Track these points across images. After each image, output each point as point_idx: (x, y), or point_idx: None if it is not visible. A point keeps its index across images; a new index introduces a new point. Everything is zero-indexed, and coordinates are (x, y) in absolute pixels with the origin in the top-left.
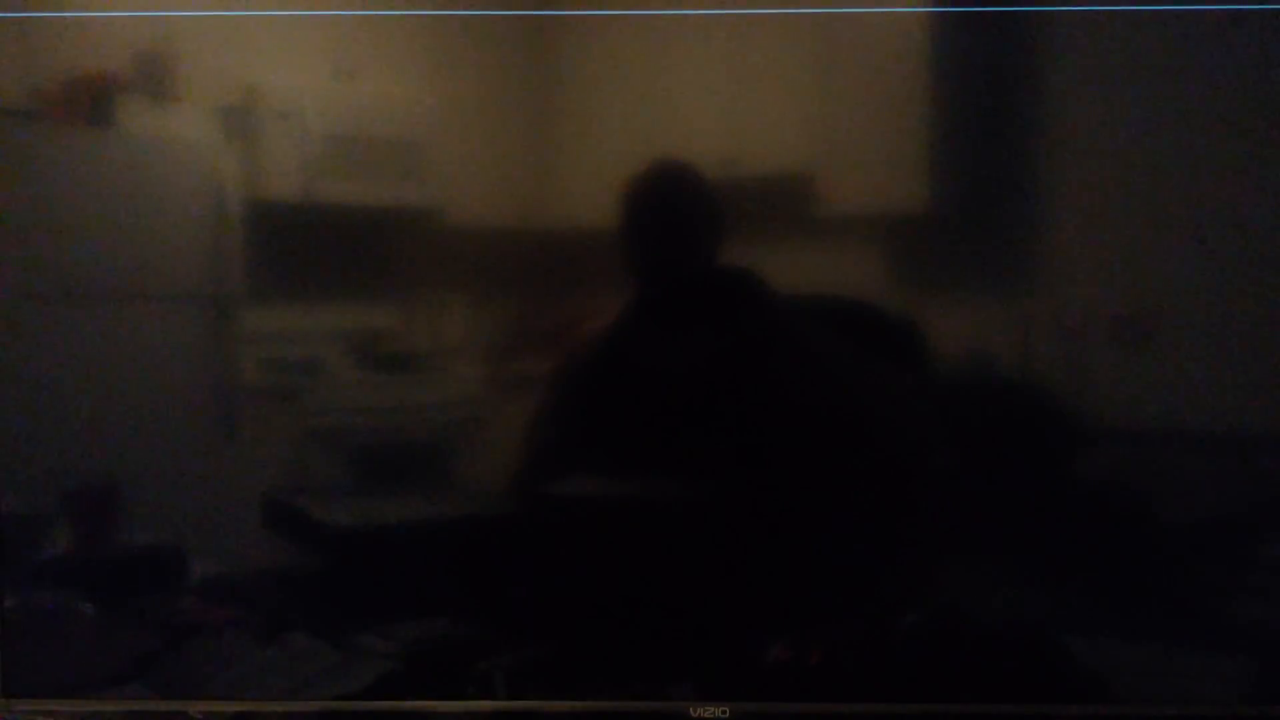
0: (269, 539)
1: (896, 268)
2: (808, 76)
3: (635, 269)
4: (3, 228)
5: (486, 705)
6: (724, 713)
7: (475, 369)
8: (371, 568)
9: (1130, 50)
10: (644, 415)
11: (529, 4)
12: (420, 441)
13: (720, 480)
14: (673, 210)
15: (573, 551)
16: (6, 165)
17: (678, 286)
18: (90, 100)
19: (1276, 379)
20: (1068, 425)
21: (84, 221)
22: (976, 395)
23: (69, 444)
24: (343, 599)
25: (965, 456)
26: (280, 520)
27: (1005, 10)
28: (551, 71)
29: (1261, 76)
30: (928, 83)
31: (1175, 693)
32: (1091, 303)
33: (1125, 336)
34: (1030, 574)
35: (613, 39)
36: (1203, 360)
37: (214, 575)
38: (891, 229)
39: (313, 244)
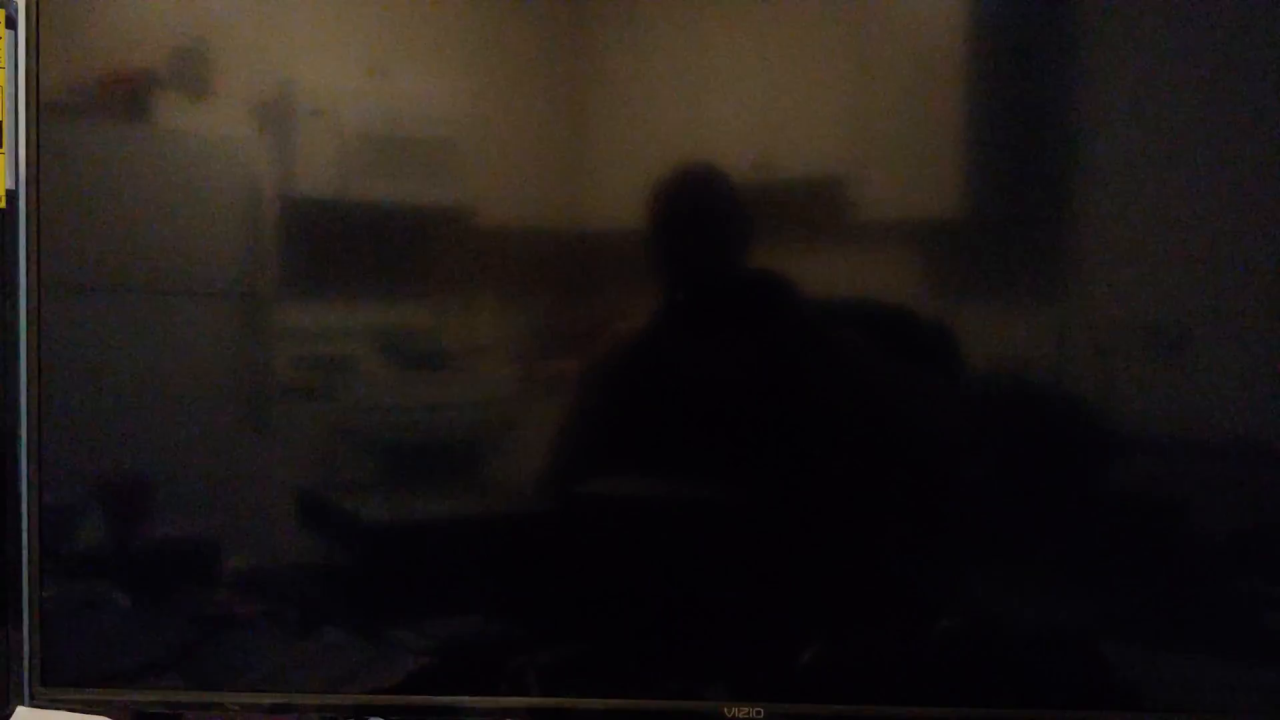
0: (303, 534)
1: (929, 273)
2: (842, 79)
3: (667, 271)
4: (40, 222)
5: (520, 702)
6: (758, 713)
7: (506, 368)
8: (405, 564)
9: (1174, 56)
10: (675, 416)
11: (562, 4)
12: (453, 439)
13: (752, 481)
14: (705, 213)
15: (607, 551)
16: (45, 160)
17: (709, 289)
18: (127, 96)
19: None
20: (1102, 433)
21: (119, 217)
22: (1010, 401)
23: (106, 437)
24: (377, 594)
25: (998, 463)
26: (314, 515)
27: (1045, 12)
28: (585, 72)
29: None
30: (963, 88)
31: (1209, 702)
32: (1127, 310)
33: (1160, 344)
34: (1064, 581)
35: (646, 39)
36: (1238, 368)
37: (249, 569)
38: (924, 234)
39: (346, 241)
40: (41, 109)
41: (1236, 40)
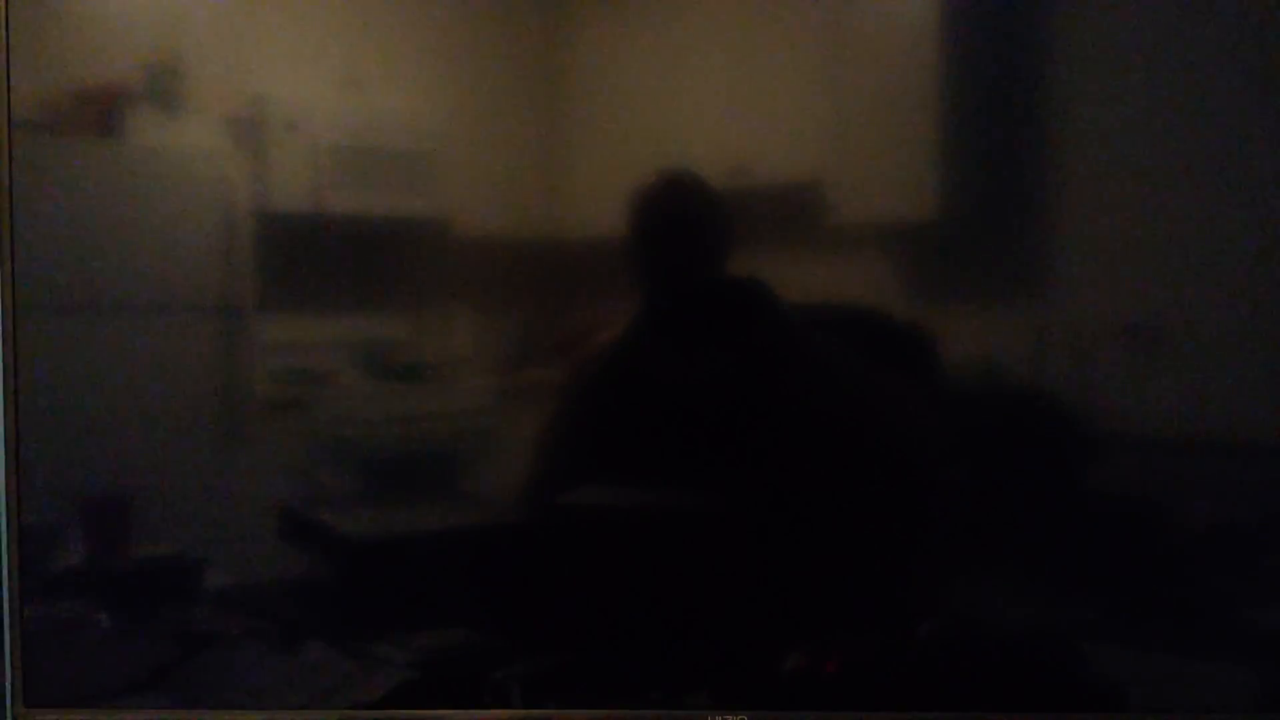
0: (284, 549)
1: (907, 276)
2: (818, 85)
3: (645, 279)
4: (14, 239)
5: (503, 715)
6: None
7: (486, 379)
8: (387, 577)
9: (1144, 59)
10: (655, 425)
11: (536, 14)
12: (433, 451)
13: (734, 489)
14: (682, 220)
15: (589, 561)
16: (18, 177)
17: (687, 296)
18: (100, 112)
19: None
20: (1080, 434)
21: (94, 233)
22: (988, 404)
23: (85, 455)
24: (359, 609)
25: (977, 465)
26: (295, 530)
27: (1018, 15)
28: (561, 81)
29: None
30: (937, 92)
31: (1188, 701)
32: (1103, 311)
33: (1136, 344)
34: (1044, 582)
35: (621, 49)
36: (1214, 368)
37: (230, 585)
38: (902, 237)
39: (322, 254)
40: (13, 126)
41: (1207, 45)
